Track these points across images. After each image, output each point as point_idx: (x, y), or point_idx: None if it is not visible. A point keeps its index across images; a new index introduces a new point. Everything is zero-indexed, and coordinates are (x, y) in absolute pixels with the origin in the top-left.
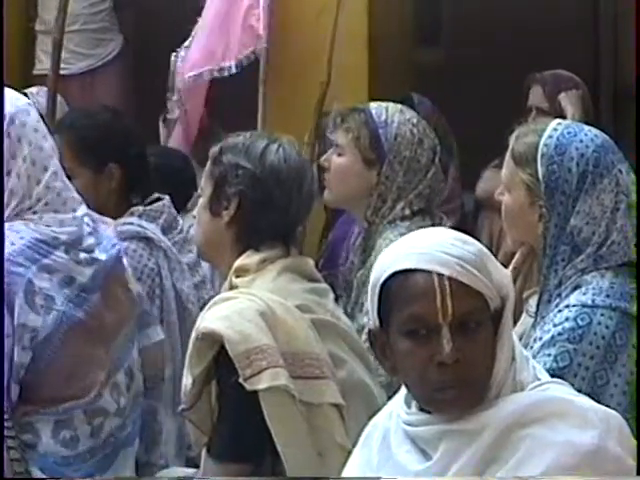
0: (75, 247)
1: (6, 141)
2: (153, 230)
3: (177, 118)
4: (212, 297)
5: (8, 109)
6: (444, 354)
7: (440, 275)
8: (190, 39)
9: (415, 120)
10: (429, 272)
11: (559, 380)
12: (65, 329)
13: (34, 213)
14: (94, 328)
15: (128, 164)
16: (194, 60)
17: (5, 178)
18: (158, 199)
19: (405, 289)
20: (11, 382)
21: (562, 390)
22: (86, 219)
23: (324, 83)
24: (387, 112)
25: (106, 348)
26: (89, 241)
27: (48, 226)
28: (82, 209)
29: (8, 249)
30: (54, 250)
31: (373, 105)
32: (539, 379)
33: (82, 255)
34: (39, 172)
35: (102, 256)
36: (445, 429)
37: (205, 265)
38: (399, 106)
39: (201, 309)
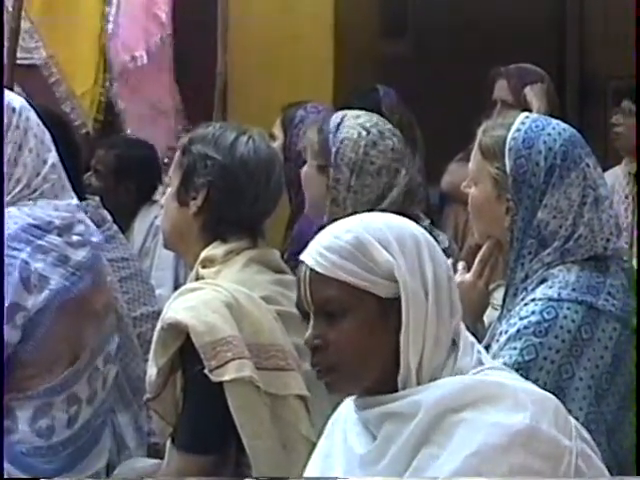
0: (67, 231)
1: (15, 132)
2: None
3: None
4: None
5: (15, 104)
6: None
7: (306, 266)
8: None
9: (369, 124)
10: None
11: (501, 366)
12: (57, 308)
13: (29, 200)
14: (85, 309)
15: None
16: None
17: (11, 167)
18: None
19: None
20: None
21: (501, 375)
22: (77, 208)
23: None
24: (342, 118)
25: (93, 331)
26: (80, 228)
27: (42, 209)
28: (74, 200)
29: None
30: (47, 233)
31: (337, 113)
32: (483, 364)
33: (75, 237)
34: (40, 164)
35: (94, 238)
36: (384, 411)
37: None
38: (358, 112)
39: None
